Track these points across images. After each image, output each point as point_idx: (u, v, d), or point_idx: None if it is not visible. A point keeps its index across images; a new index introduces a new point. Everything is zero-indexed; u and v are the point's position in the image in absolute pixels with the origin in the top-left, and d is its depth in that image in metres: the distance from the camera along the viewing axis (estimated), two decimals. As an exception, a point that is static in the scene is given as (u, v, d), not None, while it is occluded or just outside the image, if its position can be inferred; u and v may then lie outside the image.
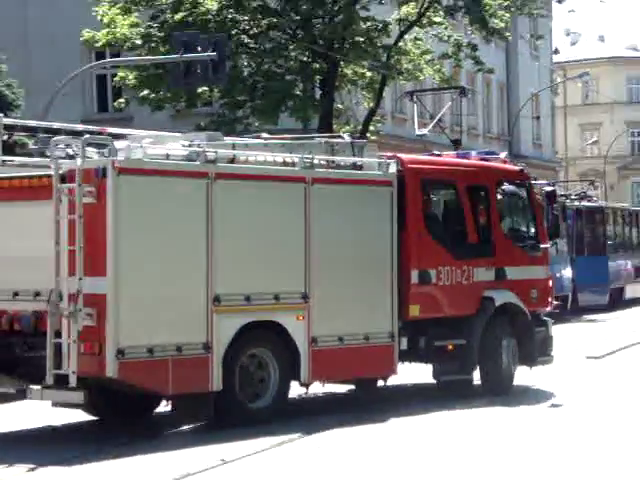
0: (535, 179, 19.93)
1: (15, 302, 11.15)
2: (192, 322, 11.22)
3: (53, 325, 10.64)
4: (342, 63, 28.73)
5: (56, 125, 12.55)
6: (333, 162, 12.74)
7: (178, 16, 26.85)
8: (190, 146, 11.65)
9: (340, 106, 30.93)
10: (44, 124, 12.61)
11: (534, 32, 42.44)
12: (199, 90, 26.97)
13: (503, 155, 16.02)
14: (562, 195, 27.51)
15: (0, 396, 11.73)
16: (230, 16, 27.01)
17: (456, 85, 27.05)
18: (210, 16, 26.95)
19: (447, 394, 13.77)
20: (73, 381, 10.47)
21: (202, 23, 26.50)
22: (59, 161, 10.82)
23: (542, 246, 15.16)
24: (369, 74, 29.82)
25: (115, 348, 10.57)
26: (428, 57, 30.38)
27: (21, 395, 11.16)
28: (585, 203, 32.11)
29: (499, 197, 14.68)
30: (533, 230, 15.23)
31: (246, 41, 27.71)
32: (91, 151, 11.16)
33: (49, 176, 10.89)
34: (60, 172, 10.74)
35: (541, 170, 47.99)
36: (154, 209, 10.97)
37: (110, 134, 11.86)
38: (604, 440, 10.84)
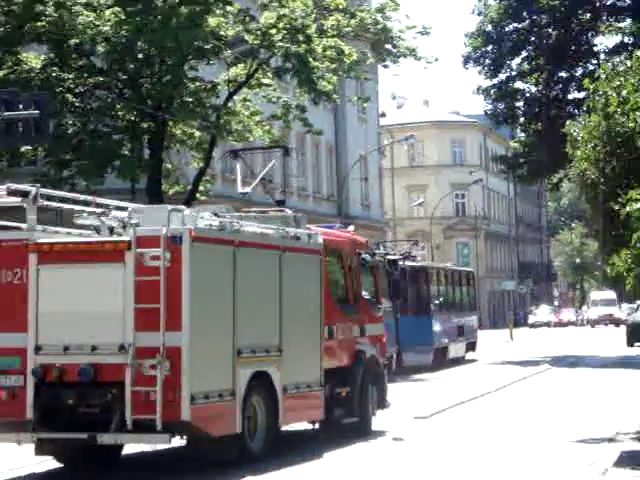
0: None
1: (65, 356, 12.35)
2: (226, 371, 12.90)
3: (132, 375, 11.96)
4: (171, 123, 28.54)
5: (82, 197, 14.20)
6: (287, 233, 14.69)
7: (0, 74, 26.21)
8: (217, 216, 13.50)
9: (169, 166, 30.68)
10: (72, 195, 14.26)
11: (361, 95, 43.29)
12: (22, 149, 26.29)
13: (351, 228, 18.56)
14: (387, 255, 27.77)
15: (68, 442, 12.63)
16: (54, 74, 26.48)
17: (283, 145, 27.08)
18: (33, 74, 26.39)
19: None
20: (159, 425, 11.84)
21: (25, 81, 25.92)
22: (138, 229, 12.36)
23: (380, 306, 18.02)
24: (198, 134, 29.71)
25: (189, 394, 12.02)
26: (257, 118, 30.52)
27: (92, 440, 12.10)
28: (409, 263, 32.36)
29: (358, 264, 17.09)
30: (374, 292, 17.80)
31: (71, 100, 27.19)
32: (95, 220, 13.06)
33: (114, 242, 12.55)
34: (127, 238, 12.36)
35: (370, 231, 48.77)
36: (208, 272, 12.62)
37: (98, 204, 13.35)
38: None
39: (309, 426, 15.96)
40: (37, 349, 12.41)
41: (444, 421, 18.44)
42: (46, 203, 12.94)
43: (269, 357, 13.78)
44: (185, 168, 32.96)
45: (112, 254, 12.32)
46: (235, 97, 29.89)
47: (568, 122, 15.64)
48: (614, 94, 14.46)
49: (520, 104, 43.38)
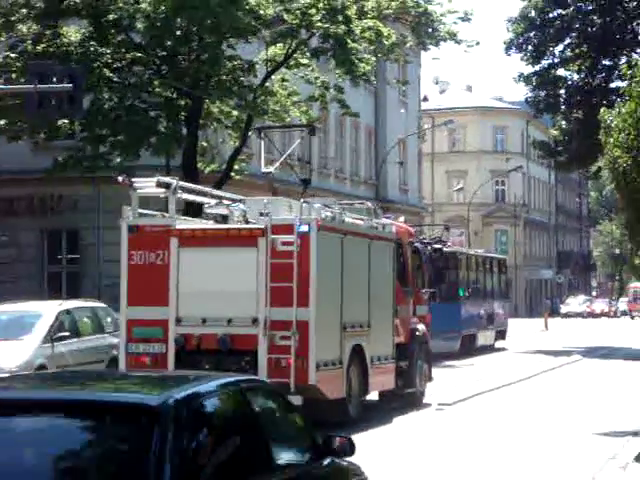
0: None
1: (203, 327, 14.22)
2: (336, 343, 14.90)
3: (268, 344, 13.86)
4: (208, 101, 28.45)
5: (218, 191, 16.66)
6: (373, 223, 16.86)
7: (39, 47, 26.23)
8: (326, 207, 15.33)
9: (205, 144, 30.62)
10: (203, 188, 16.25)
11: (401, 78, 42.97)
12: (59, 123, 26.33)
13: (402, 219, 20.45)
14: (418, 241, 27.43)
15: None
16: (92, 48, 26.46)
17: (308, 124, 26.75)
18: (72, 48, 26.40)
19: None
20: (293, 387, 13.70)
21: (63, 54, 25.94)
22: (272, 218, 14.16)
23: (424, 290, 20.08)
24: (235, 113, 29.59)
25: (315, 361, 14.02)
26: (295, 98, 30.33)
27: None
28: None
29: (411, 252, 19.05)
30: (419, 277, 19.73)
31: (108, 74, 27.18)
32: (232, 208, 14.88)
33: (249, 229, 14.24)
34: (262, 226, 14.10)
35: (407, 215, 48.40)
36: (326, 256, 14.53)
37: (213, 195, 15.55)
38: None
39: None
40: (178, 321, 14.21)
41: (468, 408, 18.32)
42: (185, 196, 14.82)
43: (362, 331, 15.71)
44: (221, 147, 32.89)
45: (247, 239, 14.08)
46: (273, 77, 29.74)
47: (602, 109, 15.40)
48: (650, 81, 14.22)
49: (562, 92, 42.89)
